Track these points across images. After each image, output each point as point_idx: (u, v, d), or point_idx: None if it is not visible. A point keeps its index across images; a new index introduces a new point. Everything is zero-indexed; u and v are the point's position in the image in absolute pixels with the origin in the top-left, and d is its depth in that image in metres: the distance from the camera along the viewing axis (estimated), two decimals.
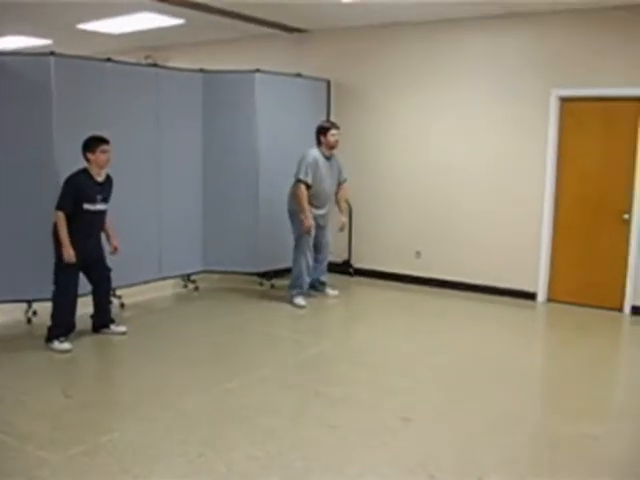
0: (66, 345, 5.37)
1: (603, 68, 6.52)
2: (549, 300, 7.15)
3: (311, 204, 6.76)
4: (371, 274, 8.13)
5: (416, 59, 7.64)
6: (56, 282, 5.42)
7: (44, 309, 5.84)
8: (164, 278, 7.17)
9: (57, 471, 3.42)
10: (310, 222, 6.72)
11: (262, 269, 7.57)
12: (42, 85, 5.83)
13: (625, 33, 6.36)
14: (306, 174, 6.68)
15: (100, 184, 5.47)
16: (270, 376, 4.88)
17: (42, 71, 5.82)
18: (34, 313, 6.22)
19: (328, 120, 7.28)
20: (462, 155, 7.45)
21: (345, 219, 7.26)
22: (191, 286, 7.60)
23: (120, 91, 6.44)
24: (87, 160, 5.39)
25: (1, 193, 5.82)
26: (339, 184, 7.11)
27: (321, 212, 6.93)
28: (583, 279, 6.97)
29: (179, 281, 7.62)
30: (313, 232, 6.84)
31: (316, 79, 8.02)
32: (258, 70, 7.25)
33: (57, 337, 5.40)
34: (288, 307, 6.85)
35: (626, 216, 6.63)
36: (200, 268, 7.49)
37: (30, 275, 5.91)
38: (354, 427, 4.01)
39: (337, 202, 7.17)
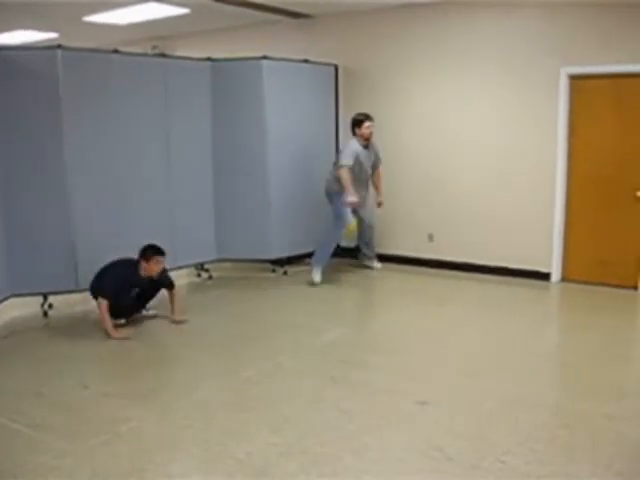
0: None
1: (613, 45, 6.44)
2: (563, 280, 7.13)
3: None
4: (384, 258, 8.12)
5: (425, 41, 7.59)
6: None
7: (59, 302, 5.89)
8: (178, 268, 7.19)
9: (78, 461, 3.45)
10: (356, 198, 7.06)
11: (274, 256, 7.58)
12: (50, 78, 5.84)
13: (635, 8, 6.29)
14: (351, 159, 7.03)
15: None
16: (286, 363, 4.91)
17: (50, 64, 5.83)
18: (50, 306, 6.26)
19: (362, 113, 7.27)
20: (473, 136, 7.41)
21: (382, 198, 7.59)
22: (205, 275, 7.64)
23: (128, 82, 6.44)
24: None
25: (13, 188, 5.85)
26: (375, 168, 7.46)
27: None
28: (597, 258, 6.93)
29: (193, 270, 7.65)
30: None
31: (323, 64, 7.99)
32: (265, 57, 7.23)
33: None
34: (302, 293, 6.87)
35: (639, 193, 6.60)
36: (213, 257, 7.50)
37: (45, 268, 5.96)
38: (371, 412, 4.02)
39: (374, 184, 7.59)
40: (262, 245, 7.48)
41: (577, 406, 4.07)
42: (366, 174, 7.33)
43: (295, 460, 3.43)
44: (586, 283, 6.94)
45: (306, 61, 7.71)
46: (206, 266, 7.63)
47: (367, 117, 7.11)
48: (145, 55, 7.21)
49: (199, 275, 7.65)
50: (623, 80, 6.55)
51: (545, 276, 7.13)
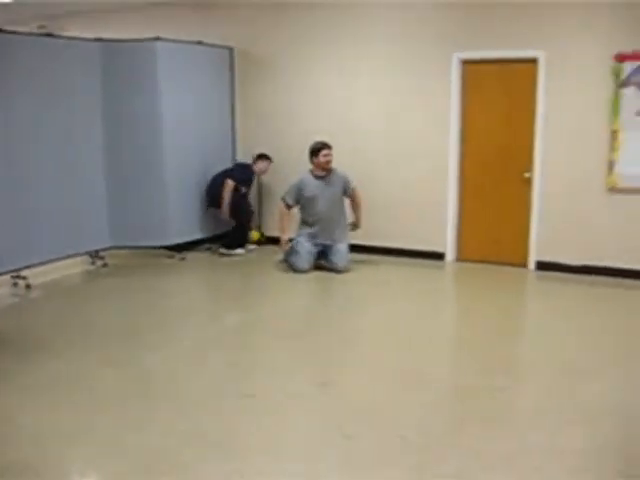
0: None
1: (501, 31, 6.67)
2: (457, 260, 7.34)
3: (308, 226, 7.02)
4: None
5: (322, 26, 7.60)
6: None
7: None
8: (71, 256, 6.95)
9: None
10: (285, 248, 7.03)
11: (171, 242, 7.45)
12: None
13: None
14: (290, 196, 7.00)
15: None
16: (188, 350, 4.83)
17: None
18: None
19: (319, 141, 6.98)
20: (368, 119, 7.50)
21: (358, 222, 7.20)
22: (99, 262, 7.39)
23: (12, 63, 6.12)
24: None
25: None
26: (349, 196, 7.10)
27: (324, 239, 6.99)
28: (489, 237, 7.17)
29: (87, 258, 7.41)
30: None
31: (218, 47, 7.88)
32: (159, 38, 7.05)
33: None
34: (200, 279, 6.81)
35: (527, 174, 6.85)
36: (108, 244, 7.29)
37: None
38: (271, 395, 4.01)
39: (352, 210, 7.17)
40: (159, 231, 7.33)
41: (471, 381, 4.20)
42: (327, 210, 6.95)
43: (195, 446, 3.38)
44: (479, 262, 7.17)
45: (200, 43, 7.58)
46: (101, 253, 7.40)
47: (325, 145, 6.87)
48: (30, 34, 6.84)
49: (93, 263, 7.41)
50: (510, 65, 6.78)
51: (440, 256, 7.32)
